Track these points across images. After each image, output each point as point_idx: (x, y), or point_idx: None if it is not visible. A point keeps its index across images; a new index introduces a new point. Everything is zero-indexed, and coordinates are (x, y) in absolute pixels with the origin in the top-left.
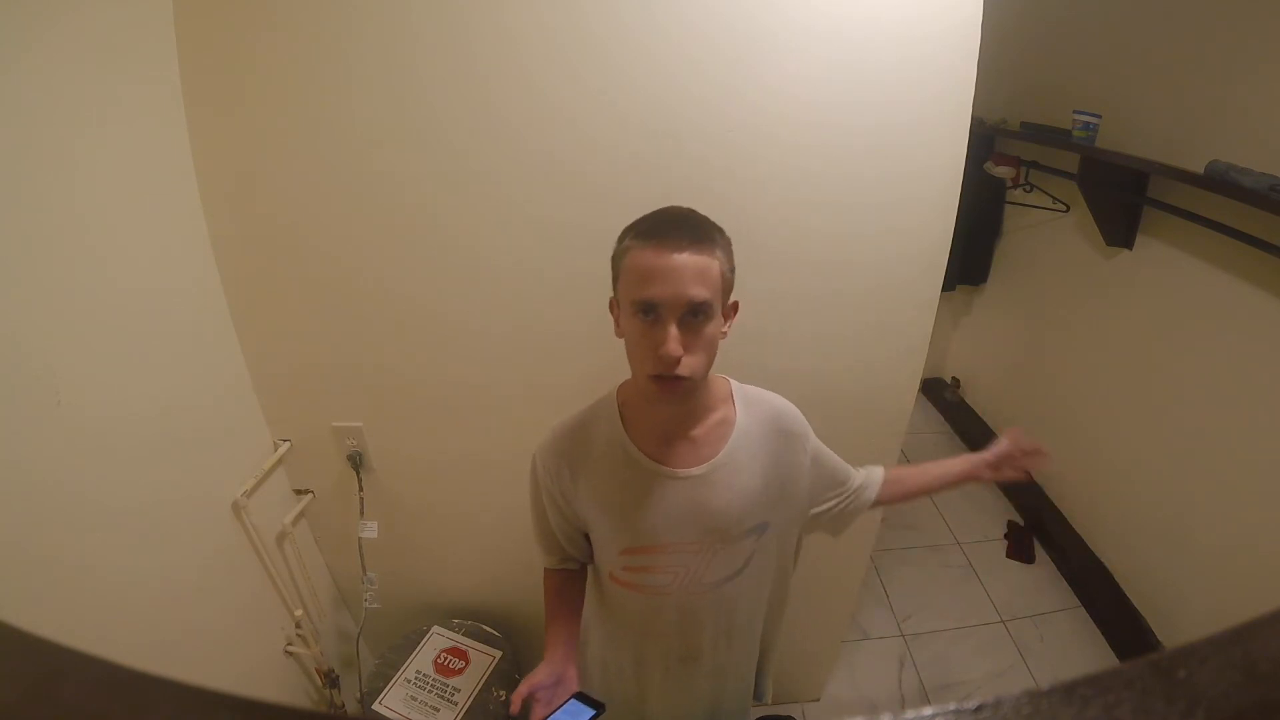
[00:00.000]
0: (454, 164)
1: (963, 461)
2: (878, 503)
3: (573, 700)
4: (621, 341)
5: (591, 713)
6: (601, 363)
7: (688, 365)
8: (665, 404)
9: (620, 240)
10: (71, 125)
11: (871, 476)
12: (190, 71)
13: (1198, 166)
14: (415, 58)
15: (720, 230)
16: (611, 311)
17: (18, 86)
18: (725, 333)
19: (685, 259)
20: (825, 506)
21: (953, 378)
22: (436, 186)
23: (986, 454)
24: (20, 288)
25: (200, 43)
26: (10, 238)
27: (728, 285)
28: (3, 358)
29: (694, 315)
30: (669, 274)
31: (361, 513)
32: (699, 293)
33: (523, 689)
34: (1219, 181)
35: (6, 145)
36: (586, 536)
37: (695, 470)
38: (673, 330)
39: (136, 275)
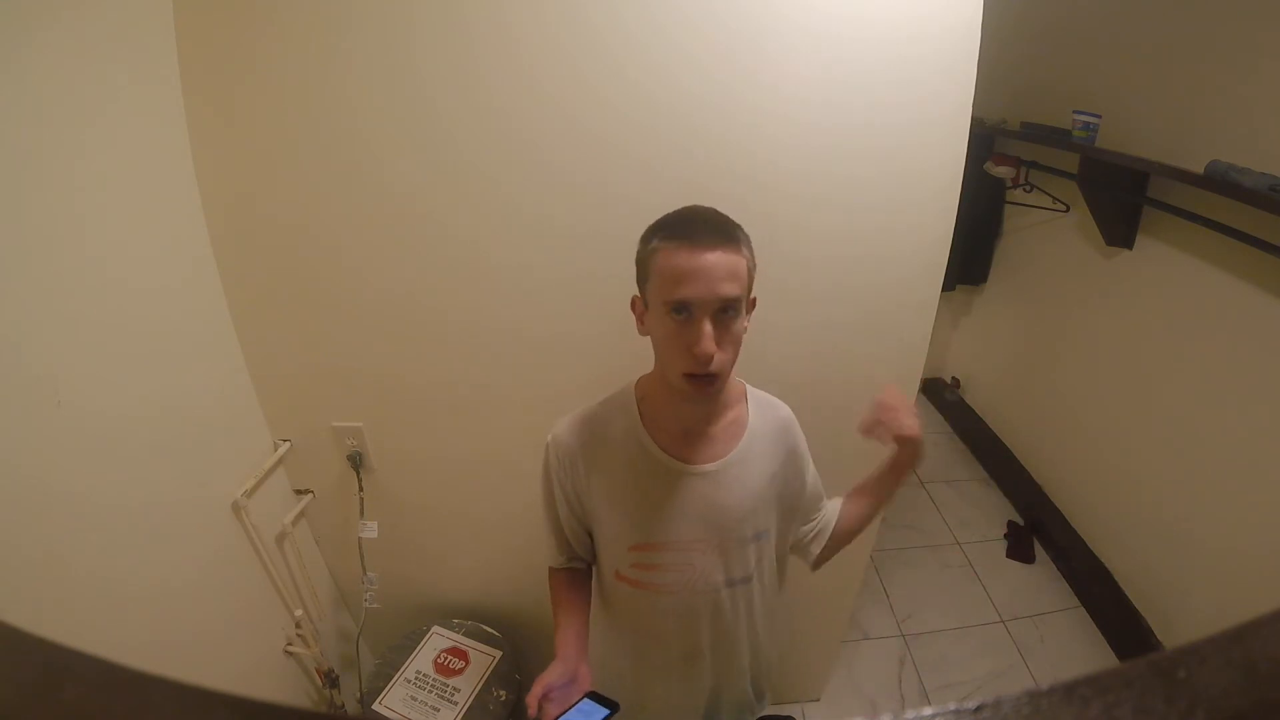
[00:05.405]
0: (455, 164)
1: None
2: (836, 530)
3: (586, 700)
4: (627, 342)
5: (605, 712)
6: (603, 363)
7: (719, 362)
8: (698, 402)
9: (646, 241)
10: (71, 124)
11: (834, 503)
12: (190, 70)
13: (1198, 166)
14: (416, 57)
15: (741, 227)
16: (634, 310)
17: (17, 85)
18: (746, 327)
19: (717, 258)
20: (808, 527)
21: (953, 378)
22: (437, 186)
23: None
24: (20, 288)
25: (200, 41)
26: (10, 237)
27: (751, 281)
28: (3, 358)
29: (725, 312)
30: (702, 273)
31: (361, 513)
32: (731, 290)
33: (537, 689)
34: (1219, 181)
35: (6, 144)
36: (590, 534)
37: (709, 467)
38: (707, 328)
39: (137, 275)
